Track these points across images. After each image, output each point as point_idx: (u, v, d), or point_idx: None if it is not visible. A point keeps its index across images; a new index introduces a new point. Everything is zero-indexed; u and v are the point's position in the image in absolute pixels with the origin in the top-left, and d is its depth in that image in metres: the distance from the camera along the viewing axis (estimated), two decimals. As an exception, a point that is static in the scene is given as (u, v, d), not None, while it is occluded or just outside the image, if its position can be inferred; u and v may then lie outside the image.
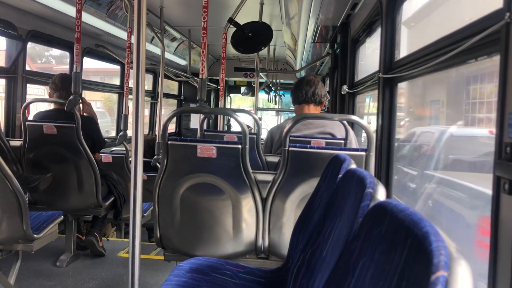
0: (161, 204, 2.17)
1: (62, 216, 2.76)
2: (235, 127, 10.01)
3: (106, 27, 4.50)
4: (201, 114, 3.32)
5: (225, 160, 2.07)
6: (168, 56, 6.30)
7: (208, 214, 2.15)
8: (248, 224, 2.15)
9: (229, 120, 9.94)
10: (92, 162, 3.18)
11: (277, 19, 4.96)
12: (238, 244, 2.17)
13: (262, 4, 4.10)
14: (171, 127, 9.26)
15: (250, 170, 2.10)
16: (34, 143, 3.13)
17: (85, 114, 3.64)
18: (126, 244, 3.91)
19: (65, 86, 3.29)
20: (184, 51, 7.09)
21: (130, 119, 1.99)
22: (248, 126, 2.71)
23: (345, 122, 2.74)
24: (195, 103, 5.13)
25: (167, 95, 8.71)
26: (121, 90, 5.65)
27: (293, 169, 2.07)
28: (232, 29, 3.76)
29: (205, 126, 3.25)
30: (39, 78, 4.12)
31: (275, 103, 10.41)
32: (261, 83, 8.23)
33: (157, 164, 4.31)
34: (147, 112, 7.23)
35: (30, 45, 3.90)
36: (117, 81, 6.08)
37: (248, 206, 2.13)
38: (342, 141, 2.71)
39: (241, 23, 3.79)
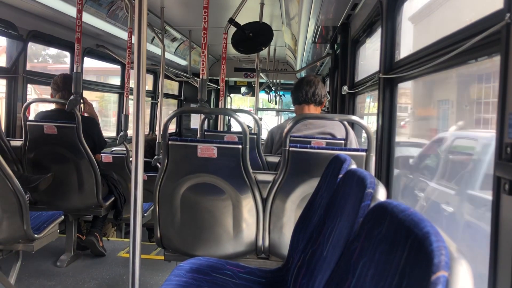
0: (161, 204, 2.17)
1: (63, 216, 2.76)
2: (236, 127, 10.02)
3: (106, 27, 4.50)
4: (202, 114, 3.32)
5: (226, 160, 2.07)
6: (169, 56, 6.30)
7: (209, 214, 2.15)
8: (249, 224, 2.15)
9: (229, 120, 9.95)
10: (93, 162, 3.18)
11: (277, 19, 4.96)
12: (238, 244, 2.17)
13: (262, 5, 4.10)
14: (172, 127, 9.26)
15: (251, 170, 2.10)
16: (35, 143, 3.14)
17: (86, 115, 3.64)
18: (126, 244, 3.91)
19: (67, 86, 3.29)
20: (184, 51, 7.09)
21: (131, 119, 1.99)
22: (249, 126, 2.71)
23: (345, 123, 2.73)
24: (196, 103, 5.13)
25: (168, 95, 8.71)
26: (121, 90, 5.65)
27: (293, 169, 2.07)
28: (232, 29, 3.76)
29: (205, 126, 3.26)
30: (39, 78, 4.12)
31: (275, 103, 10.40)
32: (261, 83, 8.22)
33: (158, 164, 4.32)
34: (147, 112, 7.23)
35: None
36: (114, 81, 6.05)
37: (248, 206, 2.13)
38: (343, 142, 2.71)
39: (242, 24, 3.79)
